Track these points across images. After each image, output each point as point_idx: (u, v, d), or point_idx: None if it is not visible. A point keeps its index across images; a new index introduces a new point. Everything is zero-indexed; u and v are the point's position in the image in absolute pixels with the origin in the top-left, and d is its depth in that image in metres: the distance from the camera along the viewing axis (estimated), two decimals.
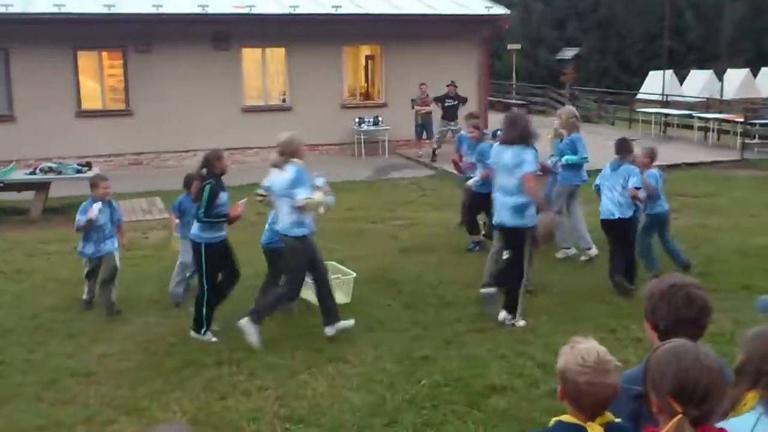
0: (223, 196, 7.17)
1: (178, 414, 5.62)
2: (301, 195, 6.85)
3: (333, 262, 8.69)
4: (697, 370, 2.22)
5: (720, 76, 30.94)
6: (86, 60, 18.01)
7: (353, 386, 6.00)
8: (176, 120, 18.05)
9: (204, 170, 7.17)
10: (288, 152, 7.08)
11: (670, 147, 19.32)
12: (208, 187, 6.97)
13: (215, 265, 7.18)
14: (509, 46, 33.71)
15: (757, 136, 19.82)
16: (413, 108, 18.38)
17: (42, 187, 12.84)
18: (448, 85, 18.47)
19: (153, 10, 17.29)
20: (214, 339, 7.10)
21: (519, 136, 7.19)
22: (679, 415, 2.19)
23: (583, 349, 2.51)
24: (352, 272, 8.30)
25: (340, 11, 18.83)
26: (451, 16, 20.20)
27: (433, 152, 17.92)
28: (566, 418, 2.55)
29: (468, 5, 20.93)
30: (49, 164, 13.04)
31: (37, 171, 12.85)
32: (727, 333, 6.50)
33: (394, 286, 8.69)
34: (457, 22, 20.44)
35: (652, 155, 8.93)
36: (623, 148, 8.51)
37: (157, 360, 6.68)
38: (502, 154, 7.28)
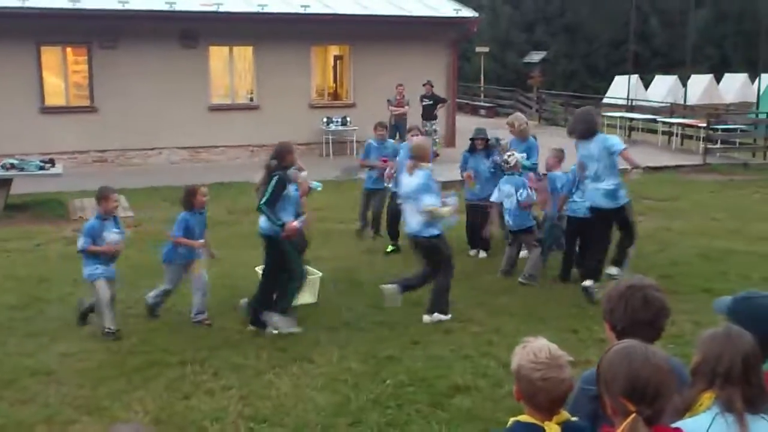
0: (291, 189, 7.17)
1: (141, 414, 5.56)
2: (428, 201, 7.13)
3: None
4: (647, 370, 2.27)
5: (684, 81, 31.41)
6: (50, 55, 17.74)
7: (318, 386, 5.99)
8: (142, 117, 17.86)
9: (274, 161, 7.17)
10: (417, 156, 7.41)
11: (634, 151, 19.54)
12: (276, 178, 6.98)
13: (294, 250, 7.23)
14: (477, 49, 33.90)
15: (719, 141, 20.17)
16: (388, 108, 18.39)
17: (3, 183, 12.63)
18: (424, 85, 18.56)
19: (119, 6, 17.09)
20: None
21: (588, 129, 8.04)
22: (633, 415, 2.24)
23: (534, 347, 2.57)
24: (318, 272, 8.28)
25: (308, 11, 18.78)
26: (420, 18, 20.26)
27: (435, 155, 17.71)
28: (524, 418, 2.58)
29: (436, 7, 21.01)
30: (11, 161, 12.83)
31: None
32: (687, 335, 6.61)
33: (360, 286, 8.70)
34: (426, 24, 20.51)
35: (559, 157, 9.16)
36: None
37: (119, 359, 6.61)
38: (588, 148, 8.00)
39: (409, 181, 7.36)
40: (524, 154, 9.31)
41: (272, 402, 5.73)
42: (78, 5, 16.85)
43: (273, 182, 6.96)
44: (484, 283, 8.76)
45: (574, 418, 2.61)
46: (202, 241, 7.60)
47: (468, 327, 7.36)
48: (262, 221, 7.11)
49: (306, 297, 8.05)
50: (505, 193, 8.98)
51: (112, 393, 5.92)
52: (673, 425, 2.34)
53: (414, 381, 6.05)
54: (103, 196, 7.32)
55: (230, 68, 19.28)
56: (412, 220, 7.33)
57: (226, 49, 19.08)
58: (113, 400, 5.79)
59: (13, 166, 12.69)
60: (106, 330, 7.03)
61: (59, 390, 6.00)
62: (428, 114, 18.55)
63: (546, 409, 2.54)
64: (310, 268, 8.41)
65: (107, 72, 17.65)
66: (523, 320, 7.51)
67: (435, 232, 7.28)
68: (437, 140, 18.81)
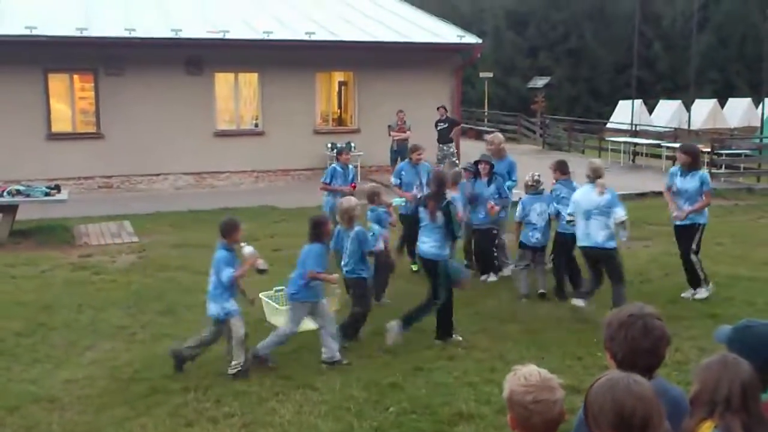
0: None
1: None
2: (621, 213, 8.18)
3: None
4: (632, 399, 2.28)
5: (688, 106, 31.50)
6: (57, 82, 17.93)
7: (321, 413, 5.97)
8: (147, 143, 17.98)
9: (436, 189, 7.67)
10: (595, 176, 8.35)
11: (639, 176, 19.60)
12: (451, 206, 7.63)
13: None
14: (481, 74, 34.10)
15: (723, 166, 20.18)
16: (389, 134, 18.49)
17: (9, 209, 12.69)
18: (438, 109, 18.71)
19: (125, 34, 17.28)
20: (460, 338, 7.64)
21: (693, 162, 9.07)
22: None
23: (525, 372, 2.61)
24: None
25: (313, 38, 18.94)
26: (424, 45, 20.42)
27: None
28: None
29: (440, 34, 21.18)
30: (17, 187, 12.90)
31: (4, 194, 12.70)
32: (692, 361, 6.56)
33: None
34: (430, 51, 20.66)
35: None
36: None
37: (122, 386, 6.61)
38: (686, 182, 8.99)
39: (593, 198, 8.25)
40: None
41: (275, 430, 5.71)
42: (85, 33, 17.04)
43: (452, 210, 7.59)
44: (488, 309, 8.74)
45: None
46: (336, 275, 7.47)
47: (471, 353, 7.34)
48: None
49: (308, 323, 8.04)
50: (537, 211, 9.22)
51: (115, 420, 5.91)
52: None
53: (417, 408, 6.03)
54: (234, 226, 6.89)
55: (235, 94, 19.43)
56: (597, 234, 8.18)
57: (231, 75, 19.25)
58: (116, 428, 5.78)
59: (18, 192, 12.75)
60: (239, 368, 6.69)
61: (62, 416, 6.00)
62: (444, 137, 18.67)
63: None
64: None
65: (113, 99, 17.80)
66: (526, 346, 7.49)
67: (615, 245, 8.31)
68: (456, 162, 18.89)
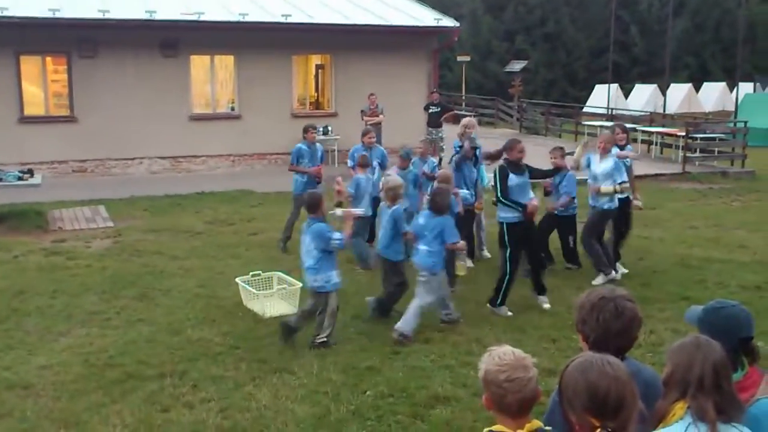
0: (513, 179, 7.93)
1: (119, 427, 5.52)
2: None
3: (279, 273, 8.66)
4: (605, 381, 2.29)
5: (663, 90, 31.70)
6: (29, 65, 17.62)
7: (298, 397, 5.97)
8: (122, 127, 17.77)
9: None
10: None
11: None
12: (498, 169, 8.03)
13: (516, 244, 7.97)
14: (459, 58, 34.07)
15: (698, 150, 20.35)
16: (362, 119, 18.42)
17: None
18: (431, 93, 18.66)
19: (99, 15, 17.02)
20: (509, 313, 7.95)
21: None
22: (598, 430, 2.25)
23: (499, 352, 2.65)
24: (298, 282, 8.25)
25: (289, 20, 18.79)
26: (401, 28, 20.32)
27: (440, 161, 17.51)
28: (497, 428, 2.60)
29: (418, 17, 21.10)
30: None
31: None
32: (666, 343, 6.61)
33: (341, 296, 8.60)
34: (407, 34, 20.57)
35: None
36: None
37: (97, 372, 6.55)
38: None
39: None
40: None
41: (252, 414, 5.70)
42: (57, 14, 16.75)
43: (497, 173, 8.09)
44: (465, 292, 8.76)
45: (548, 428, 2.62)
46: (464, 243, 7.91)
47: (448, 337, 7.37)
48: None
49: (286, 307, 8.04)
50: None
51: (90, 406, 5.86)
52: None
53: (394, 392, 6.05)
54: (319, 200, 7.14)
55: (211, 77, 19.24)
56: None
57: (207, 58, 19.04)
58: (91, 414, 5.74)
59: None
60: (324, 339, 7.01)
61: (37, 403, 5.94)
62: (435, 122, 18.60)
63: (516, 412, 2.57)
64: (289, 278, 8.40)
65: (87, 81, 17.56)
66: (503, 330, 7.54)
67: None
68: (443, 147, 18.87)
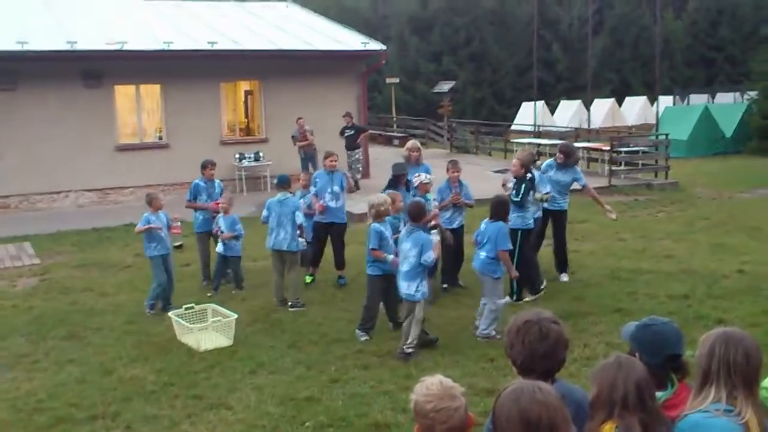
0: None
1: None
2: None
3: (212, 305, 8.52)
4: (537, 407, 2.31)
5: (588, 105, 32.51)
6: None
7: None
8: (46, 160, 17.31)
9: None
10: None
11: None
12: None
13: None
14: (388, 80, 34.29)
15: (623, 163, 20.89)
16: (294, 144, 18.37)
17: None
18: (344, 116, 18.69)
19: (17, 47, 16.59)
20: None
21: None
22: None
23: (428, 382, 2.64)
24: (233, 313, 8.13)
25: (216, 47, 18.66)
26: (329, 52, 20.39)
27: (356, 183, 17.58)
28: None
29: (345, 41, 21.22)
30: None
31: None
32: (600, 356, 6.72)
33: (278, 325, 8.58)
34: (335, 58, 20.64)
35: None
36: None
37: (24, 417, 6.30)
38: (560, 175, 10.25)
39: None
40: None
41: None
42: None
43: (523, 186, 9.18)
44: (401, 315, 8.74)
45: None
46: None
47: (386, 361, 7.34)
48: None
49: (221, 340, 7.91)
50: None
51: None
52: None
53: (334, 421, 5.99)
54: (423, 209, 7.85)
55: (137, 107, 18.92)
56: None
57: (132, 87, 18.72)
58: None
59: None
60: (412, 348, 7.37)
61: None
62: (351, 144, 18.67)
63: None
64: (223, 310, 8.27)
65: (7, 115, 17.07)
66: (440, 352, 7.55)
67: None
68: (360, 169, 18.98)
